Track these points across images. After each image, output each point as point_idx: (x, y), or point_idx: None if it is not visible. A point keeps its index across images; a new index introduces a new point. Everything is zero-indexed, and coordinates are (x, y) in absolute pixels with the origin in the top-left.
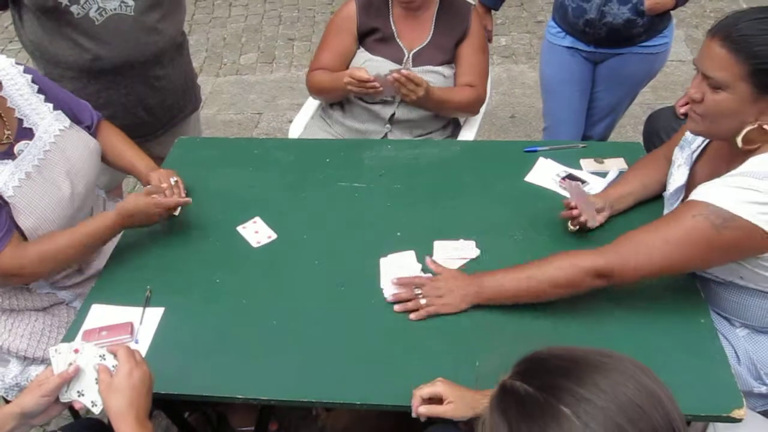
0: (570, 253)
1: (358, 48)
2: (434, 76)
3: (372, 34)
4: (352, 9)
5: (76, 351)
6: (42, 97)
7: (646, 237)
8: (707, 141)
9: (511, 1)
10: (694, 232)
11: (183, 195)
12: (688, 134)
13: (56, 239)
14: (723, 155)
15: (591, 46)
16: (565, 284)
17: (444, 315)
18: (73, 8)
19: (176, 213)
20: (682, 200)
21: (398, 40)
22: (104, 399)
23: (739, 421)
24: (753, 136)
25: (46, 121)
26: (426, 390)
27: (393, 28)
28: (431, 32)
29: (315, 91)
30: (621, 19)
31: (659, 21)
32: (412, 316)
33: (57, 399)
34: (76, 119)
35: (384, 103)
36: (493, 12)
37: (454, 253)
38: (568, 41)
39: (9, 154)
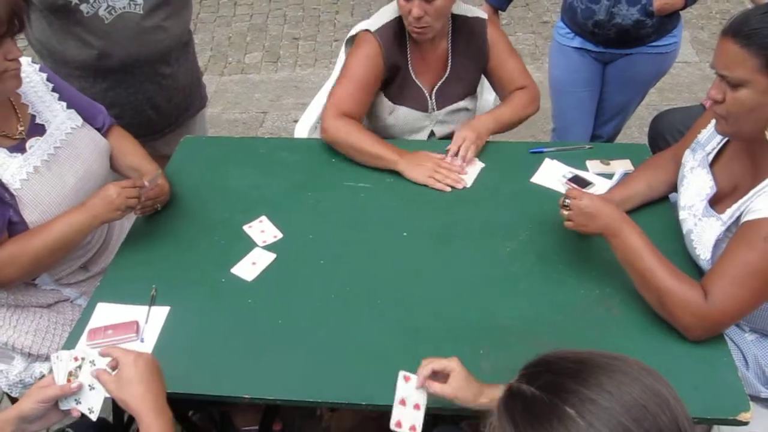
0: (687, 285)
1: (380, 92)
2: (459, 115)
3: (395, 78)
4: (376, 46)
5: (76, 359)
6: (56, 95)
7: (731, 279)
8: (723, 142)
9: (516, 2)
10: None
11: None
12: (700, 136)
13: (26, 243)
14: (745, 155)
15: (600, 47)
16: (661, 307)
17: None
18: (83, 7)
19: (158, 208)
20: (711, 201)
21: (417, 81)
22: (117, 396)
23: (745, 424)
24: None
25: (59, 118)
26: (438, 363)
27: (410, 66)
28: (449, 63)
29: (344, 144)
30: (630, 20)
31: (668, 21)
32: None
33: (56, 406)
34: (87, 120)
35: (419, 130)
36: (499, 12)
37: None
38: (578, 42)
39: (20, 149)
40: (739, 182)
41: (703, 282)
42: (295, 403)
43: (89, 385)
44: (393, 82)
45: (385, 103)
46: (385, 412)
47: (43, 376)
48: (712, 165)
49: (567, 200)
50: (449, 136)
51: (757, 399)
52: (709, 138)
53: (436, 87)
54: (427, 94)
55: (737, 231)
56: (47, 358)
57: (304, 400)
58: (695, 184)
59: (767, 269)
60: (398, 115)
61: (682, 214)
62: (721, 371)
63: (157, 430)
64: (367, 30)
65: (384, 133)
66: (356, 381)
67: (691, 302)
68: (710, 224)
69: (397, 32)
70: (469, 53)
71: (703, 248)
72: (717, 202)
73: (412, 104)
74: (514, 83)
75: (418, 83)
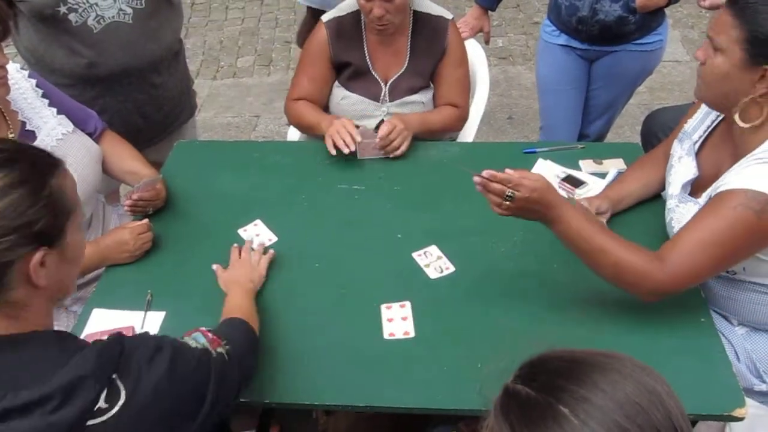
0: (642, 254)
1: (336, 79)
2: (412, 107)
3: (346, 68)
4: (323, 36)
5: None
6: (46, 101)
7: (692, 244)
8: (709, 131)
9: (507, 3)
10: (738, 224)
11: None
12: (686, 126)
13: None
14: (728, 139)
15: (585, 44)
16: (618, 281)
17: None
18: (71, 16)
19: (150, 211)
20: (692, 192)
21: (373, 72)
22: (231, 266)
23: (741, 419)
24: (751, 111)
25: (49, 125)
26: None
27: (367, 59)
28: (407, 58)
29: (294, 123)
30: (613, 17)
31: (652, 19)
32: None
33: None
34: (78, 125)
35: (370, 117)
36: (489, 13)
37: None
38: (563, 39)
39: None
40: (721, 167)
41: (664, 246)
42: (291, 406)
43: None
44: (347, 70)
45: (339, 89)
46: (382, 414)
47: None
48: (698, 153)
49: (510, 192)
50: None
51: (751, 392)
52: (695, 127)
53: (392, 79)
54: (382, 85)
55: (707, 202)
56: None
57: (301, 402)
58: (681, 173)
59: (729, 237)
60: (349, 102)
61: (669, 203)
62: (716, 367)
63: (237, 298)
64: (321, 19)
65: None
66: (352, 383)
67: (647, 270)
68: (688, 209)
69: (352, 25)
70: (427, 49)
71: None
72: (699, 188)
73: (365, 93)
74: (450, 96)
75: (374, 74)
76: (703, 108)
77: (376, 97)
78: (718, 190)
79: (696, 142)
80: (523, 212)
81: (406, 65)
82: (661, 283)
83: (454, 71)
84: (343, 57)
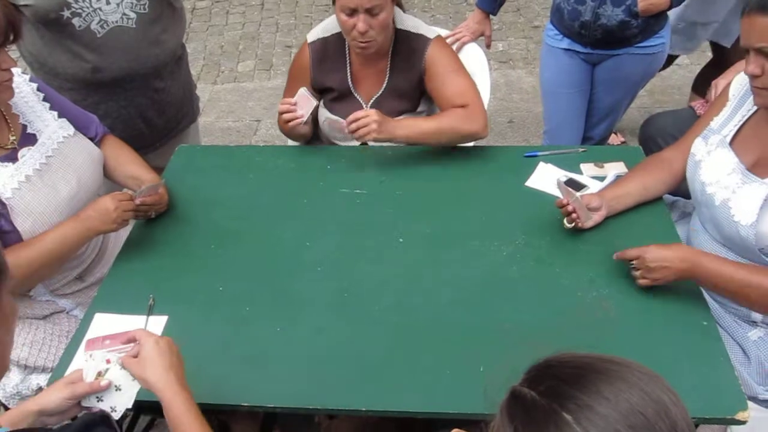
0: None
1: (320, 100)
2: None
3: (329, 92)
4: (306, 60)
5: (108, 361)
6: (47, 105)
7: None
8: (742, 123)
9: (507, 7)
10: None
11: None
12: (713, 124)
13: (19, 253)
14: (764, 126)
15: (588, 48)
16: None
17: None
18: (75, 21)
19: (152, 215)
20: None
21: (355, 94)
22: (139, 375)
23: (743, 423)
24: None
25: (51, 128)
26: None
27: (349, 80)
28: (387, 76)
29: (285, 134)
30: (615, 21)
31: (654, 22)
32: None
33: (76, 401)
34: (80, 129)
35: (352, 138)
36: (491, 17)
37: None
38: (566, 43)
39: (12, 158)
40: (763, 151)
41: None
42: (293, 411)
43: (116, 386)
44: (330, 91)
45: (322, 110)
46: (384, 419)
47: (41, 388)
48: (730, 144)
49: (632, 262)
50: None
51: (755, 400)
52: (724, 122)
53: (373, 99)
54: (364, 106)
55: None
56: (44, 370)
57: (303, 407)
58: (717, 163)
59: None
60: (332, 123)
61: (710, 189)
62: (718, 370)
63: (177, 406)
64: (306, 39)
65: (321, 137)
66: (354, 387)
67: None
68: (753, 189)
69: (336, 46)
70: (405, 69)
71: (744, 214)
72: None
73: (347, 114)
74: (452, 103)
75: (356, 95)
76: (730, 106)
77: None
78: None
79: (726, 136)
80: (657, 277)
81: (385, 85)
82: None
83: (446, 83)
84: (324, 82)
